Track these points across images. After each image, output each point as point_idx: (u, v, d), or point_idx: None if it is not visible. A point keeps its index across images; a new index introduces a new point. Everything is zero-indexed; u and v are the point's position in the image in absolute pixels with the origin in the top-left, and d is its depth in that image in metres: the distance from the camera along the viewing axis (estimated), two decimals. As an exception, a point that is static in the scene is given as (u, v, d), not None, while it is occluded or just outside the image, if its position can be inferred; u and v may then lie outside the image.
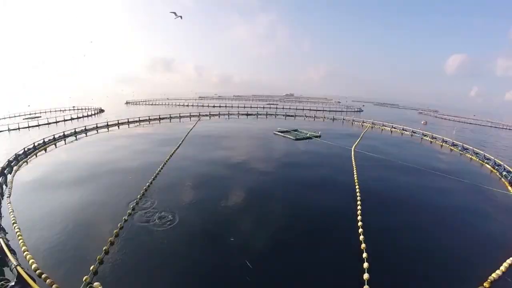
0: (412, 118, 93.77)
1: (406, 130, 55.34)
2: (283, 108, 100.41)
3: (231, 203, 20.10)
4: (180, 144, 37.72)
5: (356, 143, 41.43)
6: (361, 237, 15.52)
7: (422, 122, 76.61)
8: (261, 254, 14.63)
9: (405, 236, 16.71)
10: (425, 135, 50.42)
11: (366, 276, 12.26)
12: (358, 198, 20.86)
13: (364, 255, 13.84)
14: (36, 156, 32.77)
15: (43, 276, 11.77)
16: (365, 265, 12.99)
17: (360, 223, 17.03)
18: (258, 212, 19.12)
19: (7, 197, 20.30)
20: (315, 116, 79.32)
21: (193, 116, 73.15)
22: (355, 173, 26.70)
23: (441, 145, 44.51)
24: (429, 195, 23.37)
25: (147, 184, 22.53)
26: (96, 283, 11.48)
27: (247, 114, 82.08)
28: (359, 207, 19.34)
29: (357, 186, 23.21)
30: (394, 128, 58.29)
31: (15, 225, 16.11)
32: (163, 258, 13.94)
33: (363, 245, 14.71)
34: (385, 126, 60.82)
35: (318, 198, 21.65)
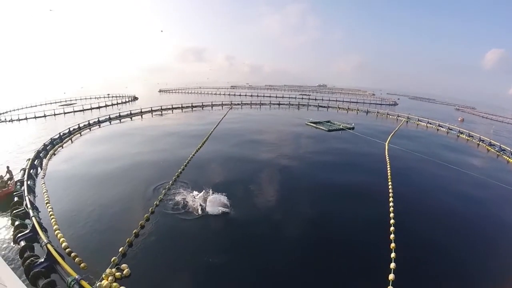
0: (448, 114, 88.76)
1: (442, 126, 52.68)
2: (315, 99, 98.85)
3: (261, 196, 19.54)
4: (211, 133, 38.03)
5: (390, 137, 39.93)
6: (392, 235, 14.78)
7: (459, 119, 72.16)
8: (293, 245, 14.39)
9: (436, 239, 15.56)
10: (461, 133, 47.75)
11: (391, 276, 11.74)
12: (391, 195, 19.91)
13: (393, 255, 13.19)
14: (72, 141, 34.13)
15: (72, 254, 12.10)
16: (392, 265, 12.44)
17: (392, 221, 16.24)
18: (289, 204, 18.66)
19: (42, 178, 21.28)
20: (348, 108, 77.01)
21: (225, 105, 73.73)
22: (388, 169, 25.58)
23: (478, 144, 41.69)
24: (464, 199, 21.60)
25: (179, 171, 22.74)
26: (123, 265, 11.62)
27: (279, 104, 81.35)
28: (391, 203, 18.52)
29: (389, 183, 22.17)
30: (430, 124, 55.56)
31: (48, 205, 16.79)
32: (192, 245, 13.93)
33: (392, 244, 14.01)
34: (421, 121, 58.26)
35: (350, 192, 20.97)
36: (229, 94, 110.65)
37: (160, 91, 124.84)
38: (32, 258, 11.39)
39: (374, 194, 20.74)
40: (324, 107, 79.32)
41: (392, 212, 17.31)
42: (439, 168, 27.61)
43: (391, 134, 42.10)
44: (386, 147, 33.67)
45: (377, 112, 70.24)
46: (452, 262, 13.89)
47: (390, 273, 11.96)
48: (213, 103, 72.51)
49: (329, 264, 13.18)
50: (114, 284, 10.64)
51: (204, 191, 18.04)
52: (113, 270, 11.24)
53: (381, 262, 12.89)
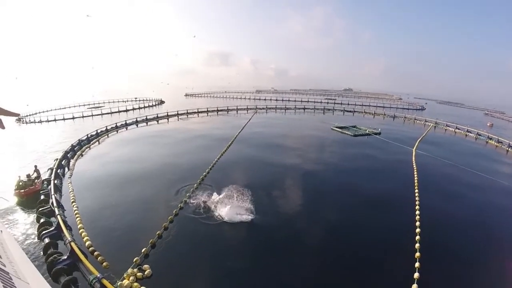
0: (477, 119, 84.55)
1: (470, 132, 50.86)
2: (341, 104, 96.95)
3: (284, 202, 18.98)
4: (236, 137, 38.15)
5: (418, 143, 38.69)
6: (417, 245, 14.05)
7: (488, 124, 68.65)
8: (316, 253, 14.04)
9: (462, 250, 14.75)
10: (490, 139, 45.57)
11: (414, 286, 11.24)
12: (417, 202, 19.01)
13: (417, 264, 12.51)
14: (99, 142, 35.01)
15: (95, 253, 12.17)
16: (416, 275, 11.84)
17: (418, 230, 15.44)
18: (314, 211, 18.09)
19: (68, 178, 21.75)
20: (374, 113, 75.51)
21: (250, 109, 73.97)
22: (415, 176, 24.55)
23: (507, 151, 39.62)
24: (492, 208, 20.30)
25: (204, 174, 22.69)
26: (145, 265, 11.56)
27: (304, 108, 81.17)
28: (417, 211, 17.67)
29: (416, 190, 21.23)
30: (458, 129, 53.85)
31: (73, 204, 17.09)
32: (214, 250, 13.69)
33: (417, 254, 13.31)
34: (449, 126, 56.45)
35: (375, 199, 20.13)
36: (254, 99, 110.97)
37: (186, 95, 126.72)
38: (55, 255, 11.51)
39: (400, 202, 20.06)
40: (350, 111, 78.02)
41: (418, 221, 16.51)
42: (467, 175, 26.34)
43: (419, 140, 40.74)
44: (414, 153, 32.60)
45: (404, 117, 68.43)
46: (478, 274, 13.20)
47: (414, 283, 11.43)
48: (238, 107, 72.95)
49: (352, 272, 12.80)
50: (135, 284, 10.57)
51: (225, 195, 17.66)
52: (135, 270, 11.19)
53: (404, 271, 12.32)
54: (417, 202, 19.07)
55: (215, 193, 18.36)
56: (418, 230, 15.44)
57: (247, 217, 16.04)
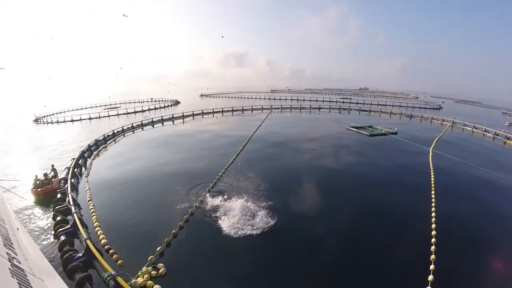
0: (495, 118, 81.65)
1: (488, 132, 49.34)
2: (357, 103, 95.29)
3: (300, 207, 18.17)
4: (251, 137, 38.02)
5: (434, 143, 37.66)
6: (432, 247, 13.59)
7: (506, 124, 66.54)
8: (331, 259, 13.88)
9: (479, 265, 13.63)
10: (508, 138, 44.02)
11: None
12: (433, 207, 18.22)
13: (431, 267, 12.14)
14: (115, 142, 35.59)
15: (110, 251, 12.31)
16: (430, 277, 11.50)
17: (433, 232, 14.96)
18: (329, 216, 17.55)
19: (85, 177, 22.18)
20: (391, 112, 74.05)
21: (265, 109, 73.89)
22: (432, 177, 23.77)
23: None
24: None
25: (220, 174, 22.70)
26: (160, 264, 11.63)
27: (319, 108, 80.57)
28: (433, 213, 17.08)
29: (432, 192, 20.50)
30: (476, 128, 52.53)
31: (90, 202, 17.39)
32: (229, 252, 13.53)
33: (432, 256, 12.93)
34: (466, 126, 55.07)
35: (389, 204, 19.38)
36: (269, 98, 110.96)
37: (201, 95, 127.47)
38: (70, 252, 11.66)
39: (416, 203, 19.51)
40: (366, 111, 76.84)
41: (434, 223, 15.98)
42: (484, 175, 25.47)
43: (436, 140, 39.78)
44: (430, 153, 31.94)
45: (421, 117, 66.88)
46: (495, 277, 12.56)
47: (428, 285, 11.13)
48: (253, 107, 73.02)
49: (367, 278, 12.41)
50: (149, 282, 10.62)
51: (238, 197, 17.61)
52: (149, 268, 11.24)
53: (419, 273, 11.99)
54: (433, 204, 18.64)
55: (227, 196, 18.32)
56: (434, 232, 15.01)
57: (267, 221, 15.63)
